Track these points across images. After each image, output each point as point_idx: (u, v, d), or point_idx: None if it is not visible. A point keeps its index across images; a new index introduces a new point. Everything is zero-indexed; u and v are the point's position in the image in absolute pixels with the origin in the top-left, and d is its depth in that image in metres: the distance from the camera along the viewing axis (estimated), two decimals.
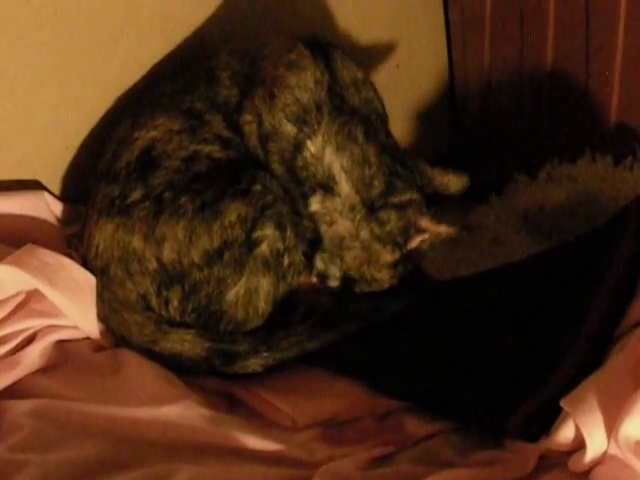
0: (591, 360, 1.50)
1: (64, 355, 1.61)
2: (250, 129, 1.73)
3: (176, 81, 1.79)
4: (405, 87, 2.33)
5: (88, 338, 1.66)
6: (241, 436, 1.44)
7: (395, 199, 1.72)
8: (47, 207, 1.82)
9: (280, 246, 1.68)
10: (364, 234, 1.72)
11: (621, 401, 1.31)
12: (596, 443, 1.31)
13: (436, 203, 1.77)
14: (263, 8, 2.06)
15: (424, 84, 2.40)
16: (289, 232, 1.69)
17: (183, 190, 1.65)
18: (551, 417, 1.39)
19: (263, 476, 1.38)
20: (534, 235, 1.85)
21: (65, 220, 1.85)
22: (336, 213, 1.72)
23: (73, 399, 1.51)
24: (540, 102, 2.17)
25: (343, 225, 1.73)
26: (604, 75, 1.98)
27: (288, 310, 1.71)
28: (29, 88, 1.78)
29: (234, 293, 1.66)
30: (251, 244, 1.65)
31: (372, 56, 1.84)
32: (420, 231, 1.72)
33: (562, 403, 1.36)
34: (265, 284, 1.68)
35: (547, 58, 2.12)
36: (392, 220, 1.71)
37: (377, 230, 1.72)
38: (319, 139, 1.70)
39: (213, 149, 1.70)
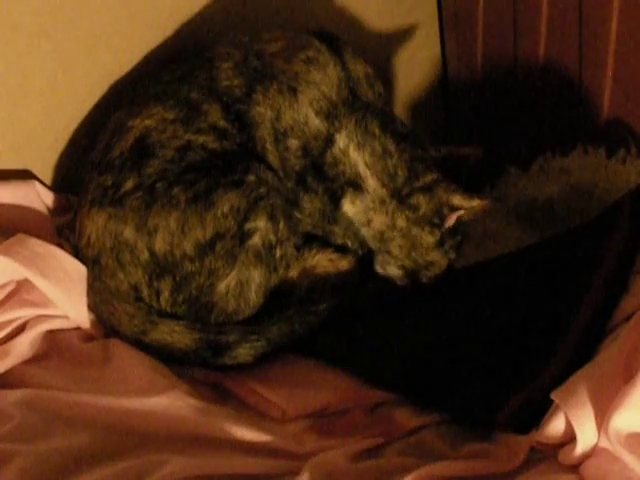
0: (582, 353, 1.50)
1: (54, 345, 1.61)
2: (261, 120, 1.74)
3: (172, 70, 1.79)
4: (398, 81, 2.32)
5: (78, 328, 1.66)
6: (231, 427, 1.44)
7: (419, 183, 1.74)
8: (38, 197, 1.81)
9: (272, 238, 1.68)
10: (400, 222, 1.75)
11: (612, 394, 1.31)
12: (586, 436, 1.31)
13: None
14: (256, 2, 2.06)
15: (417, 78, 2.40)
16: (282, 224, 1.69)
17: (176, 180, 1.65)
18: (542, 410, 1.39)
19: (252, 467, 1.38)
20: (526, 228, 1.85)
21: (56, 210, 1.85)
22: (370, 211, 1.75)
23: (63, 389, 1.51)
24: (533, 95, 2.17)
25: (379, 220, 1.76)
26: (597, 68, 1.98)
27: (279, 302, 1.71)
28: (20, 78, 1.78)
29: (225, 285, 1.66)
30: (243, 235, 1.65)
31: (364, 49, 1.84)
32: (454, 208, 1.73)
33: (553, 396, 1.36)
34: (256, 276, 1.67)
35: (540, 52, 2.12)
36: (422, 203, 1.74)
37: (411, 216, 1.74)
38: (343, 135, 1.74)
39: (207, 139, 1.69)
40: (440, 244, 1.76)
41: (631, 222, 1.74)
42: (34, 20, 1.76)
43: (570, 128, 2.11)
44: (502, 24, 2.19)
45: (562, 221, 1.83)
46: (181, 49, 1.92)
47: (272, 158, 1.74)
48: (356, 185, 1.75)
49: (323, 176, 1.75)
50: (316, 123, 1.74)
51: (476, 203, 1.73)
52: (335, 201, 1.77)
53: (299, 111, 1.73)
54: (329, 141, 1.74)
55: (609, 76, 1.97)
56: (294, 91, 1.73)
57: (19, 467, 1.34)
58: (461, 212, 1.73)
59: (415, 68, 2.38)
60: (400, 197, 1.74)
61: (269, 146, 1.74)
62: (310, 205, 1.77)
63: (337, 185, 1.75)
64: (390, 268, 1.78)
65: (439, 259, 1.77)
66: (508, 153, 2.15)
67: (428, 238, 1.75)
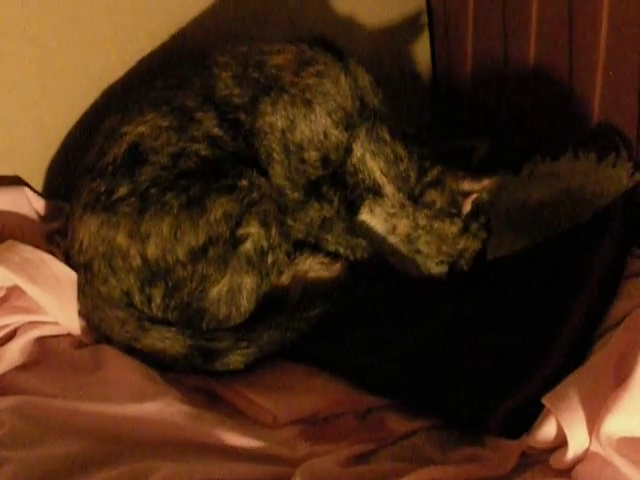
0: (573, 358, 1.51)
1: (45, 352, 1.61)
2: (270, 130, 1.74)
3: (167, 78, 1.79)
4: (387, 82, 2.32)
5: (69, 334, 1.65)
6: (222, 433, 1.44)
7: (428, 178, 1.76)
8: (28, 203, 1.81)
9: (264, 244, 1.68)
10: (422, 221, 1.77)
11: (603, 399, 1.32)
12: (578, 440, 1.31)
13: None
14: (249, 3, 2.06)
15: (406, 80, 2.40)
16: (274, 231, 1.69)
17: (169, 186, 1.64)
18: (533, 414, 1.39)
19: (244, 473, 1.38)
20: (517, 233, 1.85)
21: (46, 216, 1.85)
22: (392, 218, 1.78)
23: (54, 396, 1.50)
24: (522, 99, 2.17)
25: (402, 224, 1.78)
26: (587, 72, 1.98)
27: (271, 307, 1.71)
28: (11, 84, 1.78)
29: (217, 291, 1.66)
30: (236, 241, 1.65)
31: (353, 52, 1.84)
32: (467, 194, 1.75)
33: (544, 400, 1.36)
34: (248, 282, 1.67)
35: (530, 54, 2.12)
36: (436, 198, 1.76)
37: (430, 213, 1.76)
38: (358, 144, 1.77)
39: (200, 147, 1.69)
40: (465, 230, 1.78)
41: (621, 226, 1.74)
42: (24, 26, 1.76)
43: (560, 132, 2.11)
44: (492, 28, 2.19)
45: (553, 225, 1.83)
46: (173, 56, 1.92)
47: (278, 168, 1.75)
48: (375, 192, 1.77)
49: (342, 185, 1.78)
50: (336, 134, 1.76)
51: (486, 183, 1.75)
52: (353, 210, 1.79)
53: (317, 122, 1.75)
54: (349, 151, 1.77)
55: (599, 79, 1.97)
56: (309, 103, 1.75)
57: (10, 474, 1.33)
58: (474, 195, 1.75)
59: (405, 72, 2.38)
60: (415, 197, 1.76)
61: (276, 155, 1.75)
62: (315, 214, 1.78)
63: (356, 194, 1.78)
64: (431, 267, 1.80)
65: (470, 244, 1.79)
66: (498, 157, 2.14)
67: (451, 229, 1.77)
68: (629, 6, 1.87)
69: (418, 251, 1.79)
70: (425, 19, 2.36)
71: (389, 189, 1.77)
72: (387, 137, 1.78)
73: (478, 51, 2.26)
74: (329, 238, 1.81)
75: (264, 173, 1.74)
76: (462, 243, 1.79)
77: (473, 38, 2.26)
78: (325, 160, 1.77)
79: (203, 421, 1.47)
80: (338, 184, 1.78)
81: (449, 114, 2.42)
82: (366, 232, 1.80)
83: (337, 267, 1.79)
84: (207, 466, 1.38)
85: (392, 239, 1.80)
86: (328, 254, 1.81)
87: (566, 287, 1.65)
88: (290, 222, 1.77)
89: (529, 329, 1.60)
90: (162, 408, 1.48)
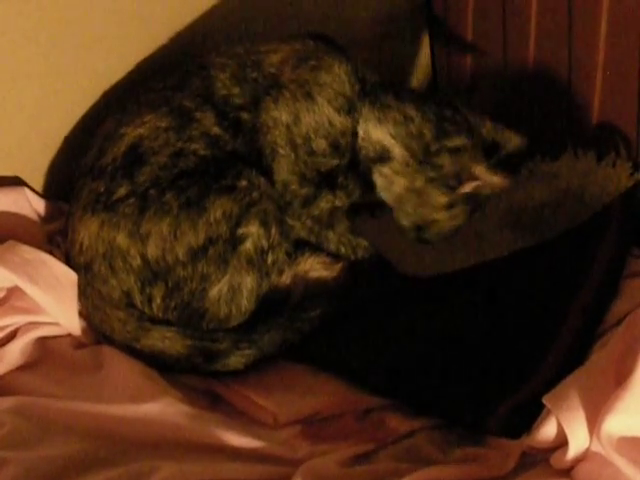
0: (573, 357, 1.51)
1: (45, 352, 1.61)
2: (274, 124, 1.75)
3: (165, 78, 1.79)
4: None
5: (69, 335, 1.65)
6: (222, 433, 1.44)
7: (450, 143, 1.75)
8: (28, 203, 1.81)
9: (264, 244, 1.68)
10: (418, 183, 1.75)
11: (603, 398, 1.31)
12: (578, 440, 1.31)
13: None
14: (246, 7, 2.06)
15: (406, 80, 2.39)
16: (274, 230, 1.69)
17: (168, 187, 1.65)
18: (533, 414, 1.39)
19: (244, 473, 1.38)
20: (516, 232, 1.84)
21: (46, 216, 1.85)
22: (393, 175, 1.76)
23: (54, 396, 1.51)
24: (522, 99, 2.17)
25: (399, 183, 1.77)
26: (586, 72, 1.97)
27: (272, 307, 1.71)
28: (11, 84, 1.78)
29: (217, 290, 1.66)
30: (235, 241, 1.65)
31: (351, 53, 1.85)
32: (473, 178, 1.74)
33: (544, 400, 1.36)
34: (249, 282, 1.67)
35: (529, 56, 2.11)
36: (446, 164, 1.74)
37: (431, 174, 1.75)
38: (361, 122, 1.77)
39: (199, 146, 1.69)
40: (449, 206, 1.77)
41: (621, 226, 1.74)
42: (24, 25, 1.76)
43: (559, 132, 2.10)
44: (491, 30, 2.19)
45: (552, 225, 1.83)
46: (173, 56, 1.92)
47: (284, 162, 1.76)
48: (383, 158, 1.77)
49: (356, 165, 1.78)
50: (340, 120, 1.76)
51: (496, 180, 1.74)
52: (369, 185, 1.79)
53: (320, 113, 1.75)
54: (355, 134, 1.77)
55: (599, 79, 1.96)
56: (309, 95, 1.76)
57: (10, 475, 1.33)
58: (478, 183, 1.75)
59: (405, 72, 2.38)
60: (427, 153, 1.75)
61: (281, 150, 1.75)
62: (325, 205, 1.80)
63: (364, 166, 1.78)
64: (402, 219, 1.79)
65: (444, 220, 1.78)
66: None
67: (439, 198, 1.76)
68: (629, 6, 1.87)
69: (401, 208, 1.79)
70: (425, 19, 2.36)
71: (397, 150, 1.75)
72: (392, 102, 1.77)
73: (477, 55, 2.26)
74: (331, 236, 1.81)
75: (264, 172, 1.74)
76: (438, 215, 1.77)
77: (473, 38, 2.25)
78: (336, 147, 1.77)
79: (204, 421, 1.47)
80: (354, 171, 1.79)
81: None
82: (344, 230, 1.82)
83: (338, 267, 1.79)
84: (208, 466, 1.39)
85: (386, 197, 1.79)
86: (329, 254, 1.81)
87: (566, 287, 1.65)
88: (290, 221, 1.77)
89: (529, 329, 1.60)
90: (163, 408, 1.48)
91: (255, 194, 1.67)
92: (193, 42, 1.95)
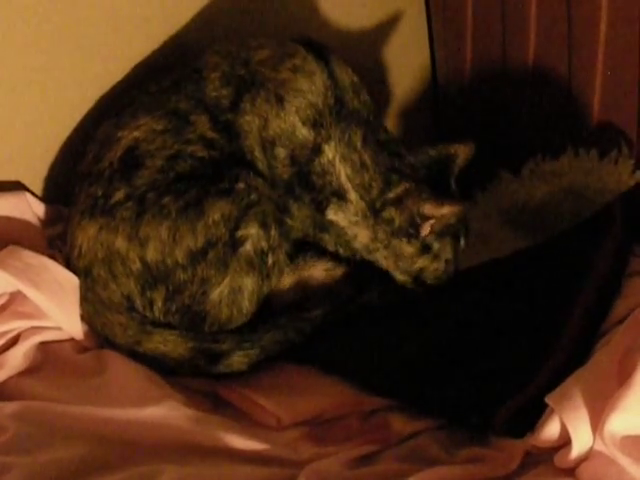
0: (576, 357, 1.51)
1: (48, 357, 1.61)
2: (249, 129, 1.73)
3: (160, 81, 1.78)
4: (387, 84, 2.33)
5: (72, 339, 1.65)
6: (226, 436, 1.44)
7: (391, 194, 1.72)
8: (29, 208, 1.81)
9: (264, 245, 1.67)
10: (381, 235, 1.74)
11: (606, 397, 1.31)
12: (582, 439, 1.31)
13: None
14: (244, 8, 2.06)
15: (406, 81, 2.40)
16: (273, 231, 1.68)
17: (166, 190, 1.64)
18: (536, 414, 1.39)
19: (248, 476, 1.38)
20: (518, 232, 1.85)
21: (47, 221, 1.84)
22: (353, 226, 1.75)
23: (57, 400, 1.50)
24: (522, 98, 2.17)
25: (362, 234, 1.76)
26: (586, 70, 1.98)
27: (273, 310, 1.71)
28: (10, 89, 1.77)
29: (218, 293, 1.66)
30: (235, 243, 1.65)
31: (353, 56, 1.84)
32: (426, 217, 1.71)
33: (547, 399, 1.36)
34: (249, 283, 1.67)
35: (529, 54, 2.12)
36: (395, 216, 1.72)
37: (388, 229, 1.73)
38: (332, 145, 1.73)
39: (196, 149, 1.69)
40: (424, 251, 1.75)
41: (623, 224, 1.74)
42: (23, 31, 1.76)
43: (560, 130, 2.11)
44: (491, 29, 2.20)
45: (554, 224, 1.83)
46: (171, 59, 1.91)
47: (261, 166, 1.74)
48: (340, 195, 1.74)
49: (310, 185, 1.74)
50: (303, 132, 1.72)
51: (446, 210, 1.70)
52: (321, 211, 1.76)
53: (286, 120, 1.72)
54: (317, 150, 1.73)
55: (599, 79, 1.97)
56: (281, 99, 1.72)
57: (14, 479, 1.33)
58: (433, 221, 1.71)
59: (404, 74, 2.38)
60: (375, 211, 1.73)
61: (258, 154, 1.73)
62: (299, 213, 1.77)
63: (323, 196, 1.74)
64: (395, 275, 1.78)
65: (428, 264, 1.76)
66: (499, 157, 2.14)
67: (408, 248, 1.74)
68: (628, 5, 1.87)
69: (376, 262, 1.78)
70: (424, 19, 2.36)
71: (353, 196, 1.73)
72: (358, 143, 1.74)
73: (477, 51, 2.26)
74: (326, 238, 1.81)
75: (261, 174, 1.73)
76: (419, 263, 1.76)
77: (473, 38, 2.26)
78: (292, 158, 1.73)
79: (207, 424, 1.47)
80: (305, 185, 1.75)
81: (449, 114, 2.42)
82: (339, 233, 1.78)
83: (339, 272, 1.79)
84: (212, 469, 1.38)
85: (356, 246, 1.78)
86: (331, 256, 1.80)
87: (568, 286, 1.65)
88: (289, 222, 1.77)
89: (532, 328, 1.60)
90: (166, 412, 1.48)
91: (253, 196, 1.67)
92: (191, 46, 1.95)
